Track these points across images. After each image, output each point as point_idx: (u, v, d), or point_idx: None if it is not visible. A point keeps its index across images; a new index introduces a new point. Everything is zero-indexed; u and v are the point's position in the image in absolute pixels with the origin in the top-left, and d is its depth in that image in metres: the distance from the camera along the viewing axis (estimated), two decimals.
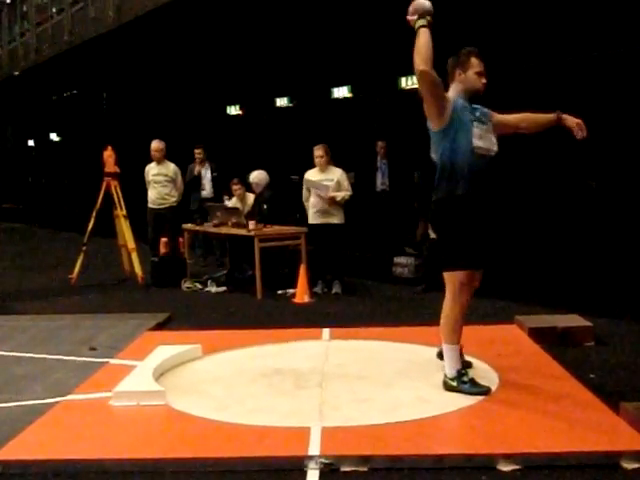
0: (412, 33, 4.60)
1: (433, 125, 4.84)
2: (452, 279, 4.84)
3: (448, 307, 4.86)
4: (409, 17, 4.73)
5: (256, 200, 10.11)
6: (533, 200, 10.50)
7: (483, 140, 4.83)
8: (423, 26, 4.65)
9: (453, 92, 4.91)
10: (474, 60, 4.86)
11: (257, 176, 10.13)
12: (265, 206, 9.84)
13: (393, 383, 5.21)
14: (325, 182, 8.95)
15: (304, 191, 9.19)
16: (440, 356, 5.45)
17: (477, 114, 4.89)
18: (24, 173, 33.30)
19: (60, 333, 7.06)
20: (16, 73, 22.24)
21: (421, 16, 4.67)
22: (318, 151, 9.03)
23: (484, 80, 4.89)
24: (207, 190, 11.53)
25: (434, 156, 4.98)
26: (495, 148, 4.91)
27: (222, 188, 11.21)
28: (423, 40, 4.62)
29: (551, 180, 10.39)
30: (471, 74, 4.85)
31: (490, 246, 4.99)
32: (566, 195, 10.23)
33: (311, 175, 9.13)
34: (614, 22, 9.21)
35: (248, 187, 10.34)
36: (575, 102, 9.79)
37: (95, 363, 5.90)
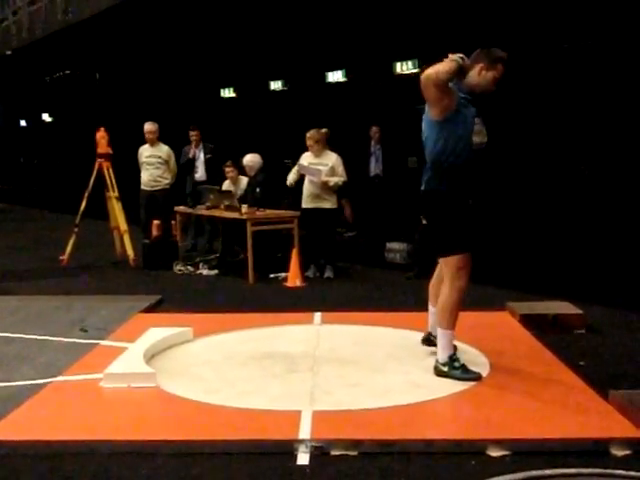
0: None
1: (434, 115, 4.83)
2: (449, 264, 4.86)
3: (446, 293, 4.88)
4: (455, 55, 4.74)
5: (249, 183, 10.08)
6: (525, 187, 10.50)
7: (479, 135, 4.90)
8: (456, 62, 4.68)
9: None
10: (500, 67, 4.89)
11: (251, 159, 10.09)
12: (258, 190, 9.81)
13: (384, 368, 5.23)
14: (319, 167, 8.92)
15: (291, 174, 9.11)
16: (425, 342, 5.46)
17: (475, 109, 4.90)
18: (16, 153, 33.12)
19: (51, 314, 7.04)
20: (8, 52, 22.07)
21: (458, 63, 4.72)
22: (308, 140, 8.99)
23: (494, 88, 4.94)
24: (200, 173, 11.32)
25: (425, 139, 4.99)
26: (486, 139, 4.96)
27: (216, 171, 11.11)
28: (449, 66, 4.63)
29: (543, 166, 10.39)
30: (490, 76, 4.87)
31: (480, 232, 5.05)
32: (558, 181, 10.23)
33: (306, 159, 9.09)
34: (607, 11, 9.19)
35: (241, 170, 10.31)
36: (567, 89, 9.79)
37: (86, 345, 5.89)
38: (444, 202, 4.89)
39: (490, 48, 4.93)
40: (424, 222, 6.88)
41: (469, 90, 4.87)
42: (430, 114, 4.87)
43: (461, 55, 4.73)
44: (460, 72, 4.73)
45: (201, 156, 11.28)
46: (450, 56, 4.72)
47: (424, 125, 5.01)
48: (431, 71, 4.62)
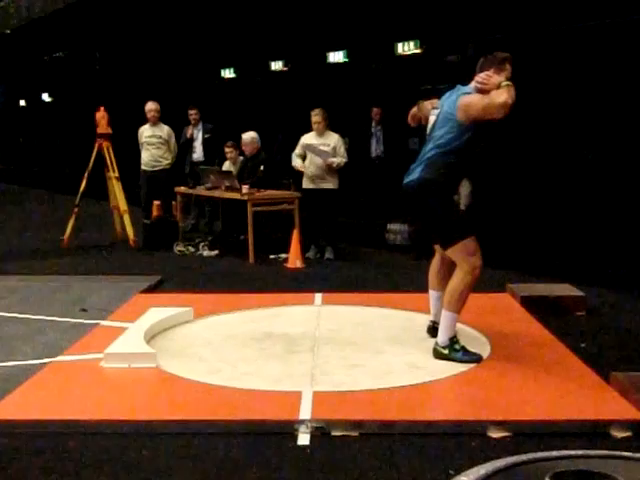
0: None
1: (464, 118, 4.74)
2: (459, 251, 4.82)
3: (458, 277, 4.82)
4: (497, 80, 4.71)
5: (245, 162, 10.03)
6: (528, 170, 10.47)
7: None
8: (511, 84, 4.69)
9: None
10: (508, 66, 4.86)
11: (251, 138, 10.05)
12: (262, 167, 9.80)
13: (384, 349, 5.22)
14: (321, 147, 8.90)
15: (296, 158, 9.08)
16: (430, 332, 5.39)
17: None
18: (15, 133, 33.02)
19: (51, 294, 7.04)
20: (7, 31, 21.95)
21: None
22: (315, 117, 8.97)
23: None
24: (197, 153, 11.28)
25: (433, 133, 4.93)
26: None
27: (214, 151, 11.07)
28: (512, 91, 4.62)
29: (546, 150, 10.35)
30: (503, 78, 4.79)
31: (481, 214, 5.06)
32: (561, 165, 10.19)
33: (308, 139, 9.06)
34: None
35: (242, 151, 10.27)
36: (571, 73, 9.73)
37: (86, 325, 5.89)
38: (438, 191, 4.83)
39: (492, 53, 4.91)
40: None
41: None
42: (458, 116, 4.75)
43: (506, 81, 4.71)
44: None
45: (199, 136, 11.25)
46: (496, 78, 4.71)
47: (437, 119, 4.93)
48: (510, 101, 4.56)
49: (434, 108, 5.29)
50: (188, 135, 11.25)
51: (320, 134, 8.98)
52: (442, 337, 4.91)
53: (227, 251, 9.51)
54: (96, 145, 10.35)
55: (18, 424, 3.97)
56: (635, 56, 9.05)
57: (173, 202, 10.33)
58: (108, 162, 10.34)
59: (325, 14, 13.43)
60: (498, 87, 4.65)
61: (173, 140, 10.55)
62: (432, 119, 5.10)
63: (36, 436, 3.84)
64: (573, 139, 10.07)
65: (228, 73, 18.94)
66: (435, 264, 5.32)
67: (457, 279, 4.84)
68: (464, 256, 4.80)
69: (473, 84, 4.84)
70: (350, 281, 7.79)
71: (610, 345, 5.37)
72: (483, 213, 5.25)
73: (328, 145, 8.89)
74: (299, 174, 9.23)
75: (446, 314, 4.90)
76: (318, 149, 8.89)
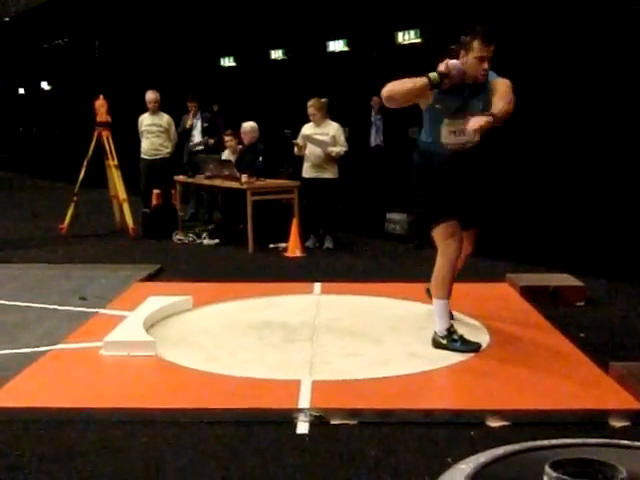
0: None
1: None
2: (436, 235, 4.86)
3: (438, 262, 4.88)
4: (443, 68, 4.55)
5: (244, 151, 10.01)
6: (526, 158, 10.46)
7: (457, 136, 4.72)
8: (428, 77, 4.50)
9: None
10: (476, 44, 4.52)
11: (251, 127, 10.03)
12: (260, 158, 9.77)
13: (384, 338, 5.22)
14: (320, 136, 8.87)
15: (297, 148, 9.05)
16: (429, 292, 5.43)
17: (461, 105, 4.66)
18: (15, 122, 32.96)
19: (50, 282, 7.03)
20: (6, 19, 21.90)
21: (442, 73, 4.51)
22: (310, 108, 8.93)
23: (485, 66, 4.57)
24: (196, 142, 11.34)
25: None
26: (473, 139, 4.62)
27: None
28: (413, 84, 4.51)
29: (544, 139, 10.34)
30: (471, 59, 4.56)
31: (472, 205, 5.00)
32: (560, 154, 10.18)
33: (308, 129, 9.03)
34: None
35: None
36: (571, 61, 9.71)
37: (85, 313, 5.89)
38: (417, 176, 4.93)
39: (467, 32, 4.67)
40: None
41: (466, 82, 4.61)
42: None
43: (451, 63, 4.54)
44: (438, 84, 4.51)
45: (198, 125, 11.27)
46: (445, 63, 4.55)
47: None
48: (384, 93, 4.51)
49: None
50: (187, 125, 11.27)
51: (318, 124, 8.95)
52: (439, 326, 4.91)
53: (227, 240, 9.50)
54: (95, 133, 10.33)
55: (17, 412, 3.97)
56: (631, 44, 9.03)
57: (173, 191, 10.32)
58: (107, 150, 10.32)
59: (325, 3, 13.39)
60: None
61: (173, 129, 10.54)
62: None
63: (35, 423, 3.84)
64: (571, 127, 10.05)
65: (228, 62, 18.90)
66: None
67: (437, 264, 4.87)
68: (440, 240, 4.83)
69: None
70: (349, 270, 7.79)
71: (609, 335, 5.37)
72: (481, 203, 5.19)
73: (327, 134, 8.85)
74: (299, 163, 9.21)
75: (436, 302, 4.92)
76: (317, 139, 8.86)
